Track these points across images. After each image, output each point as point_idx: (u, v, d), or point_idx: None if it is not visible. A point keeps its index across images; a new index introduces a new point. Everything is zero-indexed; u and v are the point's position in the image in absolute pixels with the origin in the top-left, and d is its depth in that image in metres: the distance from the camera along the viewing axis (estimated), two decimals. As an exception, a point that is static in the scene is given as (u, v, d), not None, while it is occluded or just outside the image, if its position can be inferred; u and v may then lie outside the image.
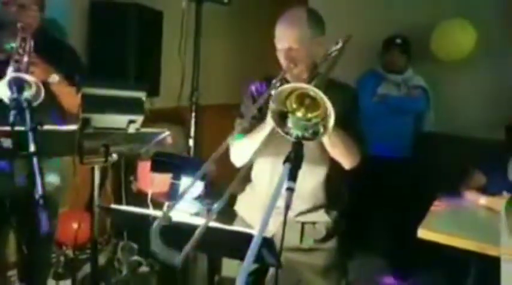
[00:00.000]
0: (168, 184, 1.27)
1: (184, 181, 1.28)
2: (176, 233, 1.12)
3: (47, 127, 1.25)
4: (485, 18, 3.14)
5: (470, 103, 3.32)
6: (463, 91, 3.34)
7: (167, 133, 1.56)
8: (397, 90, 3.20)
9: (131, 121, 1.44)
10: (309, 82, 1.51)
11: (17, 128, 1.15)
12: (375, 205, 3.17)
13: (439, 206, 2.40)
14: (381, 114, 3.12)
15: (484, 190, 2.48)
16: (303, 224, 1.71)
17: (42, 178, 1.00)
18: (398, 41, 3.18)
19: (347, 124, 1.55)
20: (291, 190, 1.08)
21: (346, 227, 1.81)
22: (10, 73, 1.47)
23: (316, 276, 1.73)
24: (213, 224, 1.28)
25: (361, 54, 3.17)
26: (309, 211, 1.71)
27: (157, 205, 1.84)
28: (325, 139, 1.51)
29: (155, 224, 1.09)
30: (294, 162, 1.10)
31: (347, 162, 1.62)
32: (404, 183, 3.16)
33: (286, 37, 1.58)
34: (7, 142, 1.16)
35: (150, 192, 2.08)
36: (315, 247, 1.72)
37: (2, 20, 1.74)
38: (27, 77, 1.40)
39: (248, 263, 0.87)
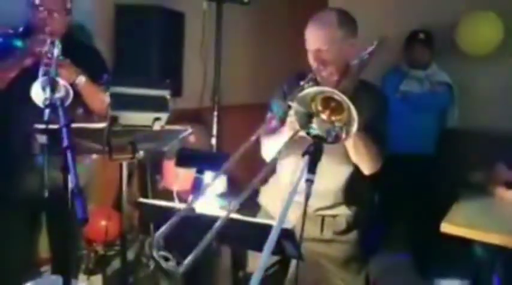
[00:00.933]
0: (192, 179, 1.32)
1: (208, 175, 1.33)
2: (199, 225, 1.16)
3: (77, 124, 1.32)
4: (511, 10, 3.08)
5: (496, 98, 3.26)
6: (489, 85, 3.28)
7: (190, 130, 1.62)
8: (420, 86, 3.16)
9: (156, 119, 1.50)
10: (339, 84, 1.54)
11: (51, 125, 1.22)
12: (400, 201, 3.16)
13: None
14: (404, 111, 3.09)
15: (509, 184, 2.44)
16: (323, 217, 1.73)
17: (76, 171, 1.06)
18: (422, 35, 3.14)
19: (373, 127, 1.56)
20: (310, 181, 1.12)
21: (369, 222, 1.82)
22: (41, 76, 1.55)
23: (336, 267, 1.75)
24: (235, 216, 1.31)
25: (385, 49, 3.16)
26: (328, 207, 1.73)
27: (183, 201, 1.90)
28: (348, 142, 1.51)
29: (156, 234, 1.14)
30: (313, 155, 1.13)
31: (368, 166, 1.63)
32: (429, 180, 3.13)
33: (315, 38, 1.60)
34: (42, 139, 1.24)
35: (175, 187, 2.14)
36: (335, 239, 1.74)
37: (31, 24, 1.82)
38: (57, 80, 1.49)
39: (267, 254, 0.91)
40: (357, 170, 1.72)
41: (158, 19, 2.91)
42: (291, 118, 1.43)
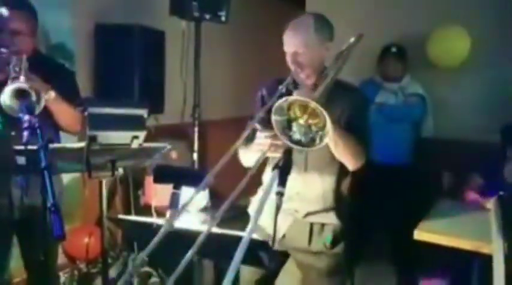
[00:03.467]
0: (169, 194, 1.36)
1: (185, 190, 1.37)
2: (180, 241, 1.20)
3: (56, 145, 1.35)
4: (478, 25, 3.23)
5: (468, 108, 3.38)
6: (460, 96, 3.40)
7: (168, 147, 1.66)
8: (394, 98, 3.27)
9: (135, 137, 1.54)
10: (316, 85, 1.60)
11: (29, 147, 1.26)
12: (377, 211, 3.22)
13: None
14: (379, 122, 3.17)
15: (482, 192, 2.53)
16: (311, 225, 1.74)
17: (53, 190, 1.10)
18: (394, 49, 3.26)
19: (353, 125, 1.62)
20: (280, 194, 1.16)
21: (354, 233, 1.85)
22: (8, 85, 1.56)
23: (321, 278, 1.78)
24: (215, 230, 1.35)
25: (360, 63, 3.26)
26: (318, 212, 1.74)
27: (163, 216, 1.92)
28: (330, 141, 1.52)
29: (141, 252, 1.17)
30: (283, 168, 1.19)
31: (350, 163, 1.66)
32: (405, 189, 3.20)
33: (292, 42, 1.65)
34: (21, 160, 1.28)
35: (153, 202, 2.17)
36: (323, 251, 1.76)
37: None
38: (24, 85, 1.52)
39: (235, 264, 0.94)
40: (343, 176, 1.76)
41: (139, 38, 2.95)
42: (258, 141, 1.47)
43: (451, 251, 1.97)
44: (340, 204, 1.78)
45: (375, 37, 3.35)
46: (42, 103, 1.54)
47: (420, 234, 2.02)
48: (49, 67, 1.92)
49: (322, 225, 1.75)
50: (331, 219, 1.76)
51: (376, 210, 3.18)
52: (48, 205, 1.04)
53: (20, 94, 1.54)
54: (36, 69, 1.73)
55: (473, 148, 3.05)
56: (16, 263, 2.06)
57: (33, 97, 1.51)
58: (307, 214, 1.74)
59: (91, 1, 2.96)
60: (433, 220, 2.23)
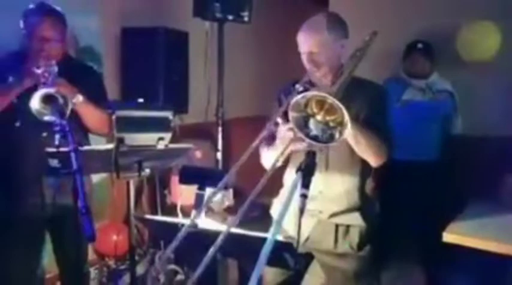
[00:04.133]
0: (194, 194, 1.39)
1: (209, 191, 1.40)
2: (204, 240, 1.22)
3: (86, 147, 1.40)
4: (508, 19, 3.13)
5: (497, 104, 3.28)
6: (490, 92, 3.31)
7: (193, 147, 1.69)
8: (422, 96, 3.20)
9: (160, 138, 1.58)
10: (332, 83, 1.60)
11: (61, 149, 1.31)
12: (405, 211, 3.17)
13: None
14: (406, 120, 3.12)
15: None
16: (337, 226, 1.73)
17: (84, 192, 1.14)
18: (420, 45, 3.19)
19: (372, 121, 1.61)
20: (304, 196, 1.17)
21: (381, 234, 1.83)
22: (38, 91, 1.63)
23: (347, 281, 1.76)
24: (236, 230, 1.36)
25: (383, 60, 3.22)
26: (343, 212, 1.73)
27: (188, 215, 1.96)
28: (349, 137, 1.53)
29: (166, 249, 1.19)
30: (306, 170, 1.19)
31: (372, 159, 1.65)
32: (434, 188, 3.14)
33: (306, 42, 1.65)
34: (54, 162, 1.34)
35: (179, 202, 2.21)
36: (349, 253, 1.74)
37: (27, 48, 1.89)
38: (52, 90, 1.57)
39: (259, 266, 0.95)
40: (366, 174, 1.75)
41: (163, 39, 3.01)
42: (280, 135, 1.48)
43: (484, 253, 1.91)
44: (365, 204, 1.76)
45: (400, 34, 3.31)
46: (70, 107, 1.60)
47: (449, 236, 1.96)
48: (78, 71, 1.99)
49: (348, 226, 1.74)
50: (357, 220, 1.74)
51: (403, 210, 3.13)
52: (79, 206, 1.09)
53: (48, 99, 1.60)
54: (66, 73, 1.80)
55: (504, 144, 2.97)
56: (49, 259, 2.15)
57: (61, 101, 1.57)
58: (332, 215, 1.73)
59: (117, 6, 3.03)
60: (463, 221, 2.14)
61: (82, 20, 2.72)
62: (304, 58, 1.68)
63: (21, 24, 1.89)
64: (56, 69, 1.73)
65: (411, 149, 3.04)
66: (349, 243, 1.73)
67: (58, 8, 1.96)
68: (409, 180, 3.04)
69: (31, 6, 1.90)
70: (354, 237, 1.73)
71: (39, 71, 1.70)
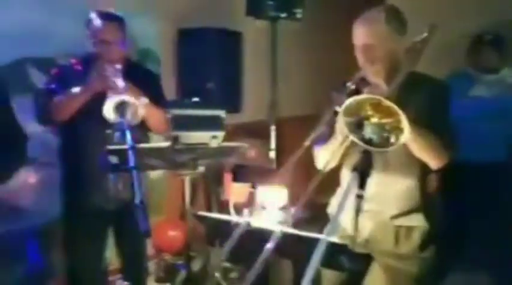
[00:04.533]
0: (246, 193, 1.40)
1: (261, 190, 1.40)
2: (259, 238, 1.22)
3: (143, 144, 1.45)
4: None
5: None
6: None
7: (246, 146, 1.70)
8: (491, 91, 3.00)
9: (213, 137, 1.60)
10: (387, 81, 1.54)
11: (120, 147, 1.37)
12: (472, 213, 3.00)
13: None
14: (474, 117, 2.95)
15: None
16: (398, 227, 1.66)
17: (142, 188, 1.18)
18: (489, 37, 2.99)
19: (433, 122, 1.52)
20: (360, 197, 1.13)
21: (445, 237, 1.74)
22: (112, 97, 1.71)
23: (409, 283, 1.68)
24: (292, 230, 1.34)
25: (444, 54, 3.04)
26: (403, 214, 1.66)
27: (241, 213, 1.97)
28: (408, 140, 1.43)
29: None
30: (362, 170, 1.15)
31: (432, 162, 1.57)
32: (503, 190, 2.94)
33: (361, 34, 1.58)
34: (113, 159, 1.40)
35: (231, 200, 2.24)
36: (411, 255, 1.67)
37: (92, 53, 1.99)
38: (127, 98, 1.64)
39: (312, 267, 0.93)
40: (427, 173, 1.66)
41: (217, 40, 3.07)
42: (339, 125, 1.43)
43: None
44: (427, 204, 1.68)
45: (466, 25, 3.12)
46: (140, 112, 1.65)
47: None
48: (138, 73, 2.07)
49: (409, 228, 1.66)
50: (419, 221, 1.66)
51: (470, 212, 2.96)
52: (136, 202, 1.13)
53: (120, 105, 1.67)
54: (127, 75, 1.88)
55: None
56: (112, 252, 2.26)
57: (133, 109, 1.63)
58: (392, 217, 1.66)
59: (173, 8, 3.12)
60: None
61: (140, 23, 2.82)
62: (358, 51, 1.61)
63: (86, 30, 2.00)
64: (121, 73, 1.81)
65: (478, 148, 2.87)
66: (411, 244, 1.65)
67: (118, 13, 2.06)
68: (476, 181, 2.86)
69: (93, 12, 2.01)
70: (416, 238, 1.65)
71: (107, 76, 1.79)
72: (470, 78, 3.03)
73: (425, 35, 1.56)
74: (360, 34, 1.59)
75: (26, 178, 2.47)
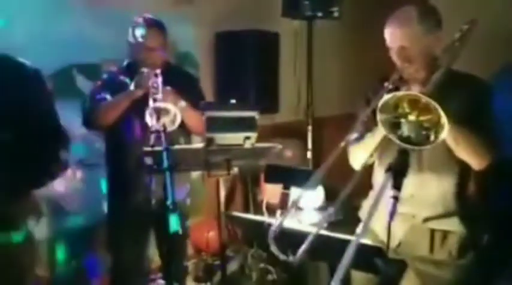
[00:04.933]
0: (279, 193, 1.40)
1: (295, 191, 1.39)
2: (291, 240, 1.22)
3: (178, 146, 1.49)
4: None
5: None
6: None
7: (279, 146, 1.70)
8: None
9: (247, 138, 1.61)
10: (426, 80, 1.49)
11: (156, 148, 1.41)
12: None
13: None
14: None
15: None
16: (432, 231, 1.60)
17: (173, 189, 1.21)
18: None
19: (475, 120, 1.47)
20: (395, 198, 1.10)
21: (493, 243, 1.66)
22: (151, 104, 1.76)
23: None
24: (326, 232, 1.33)
25: (493, 46, 2.90)
26: (438, 217, 1.60)
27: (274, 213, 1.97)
28: (448, 138, 1.39)
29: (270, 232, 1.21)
30: (398, 170, 1.12)
31: (474, 162, 1.51)
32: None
33: (396, 36, 1.55)
34: (149, 160, 1.44)
35: (264, 200, 2.24)
36: (447, 261, 1.60)
37: (133, 60, 2.08)
38: (167, 106, 1.68)
39: (341, 269, 0.92)
40: (467, 177, 1.60)
41: (254, 41, 3.08)
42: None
43: None
44: (465, 209, 1.60)
45: (504, 16, 2.96)
46: (178, 119, 1.69)
47: None
48: (178, 77, 2.13)
49: (445, 232, 1.60)
50: (455, 225, 1.59)
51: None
52: (168, 203, 1.16)
53: (159, 111, 1.71)
54: (167, 79, 1.94)
55: None
56: (153, 251, 2.33)
57: (171, 115, 1.67)
58: (426, 219, 1.60)
59: (211, 13, 3.17)
60: None
61: (178, 27, 2.89)
62: (393, 53, 1.57)
63: (129, 36, 2.07)
64: (160, 79, 1.87)
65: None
66: (447, 250, 1.58)
67: (160, 19, 2.12)
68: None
69: (136, 19, 2.08)
70: (453, 243, 1.58)
71: (147, 82, 1.86)
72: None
73: (464, 28, 1.50)
74: (393, 36, 1.55)
75: (72, 179, 2.60)
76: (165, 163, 1.28)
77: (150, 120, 1.66)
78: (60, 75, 2.49)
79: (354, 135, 1.45)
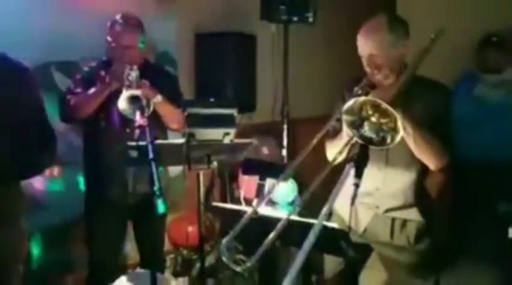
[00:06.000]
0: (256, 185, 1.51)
1: (270, 182, 1.51)
2: (268, 230, 1.32)
3: (160, 141, 1.59)
4: None
5: None
6: None
7: (255, 142, 1.81)
8: (495, 91, 3.05)
9: (226, 134, 1.72)
10: (394, 85, 1.62)
11: (140, 142, 1.51)
12: (478, 211, 3.04)
13: None
14: (479, 117, 3.01)
15: None
16: (393, 220, 1.75)
17: (159, 177, 1.32)
18: (494, 39, 3.05)
19: (434, 123, 1.61)
20: (356, 185, 1.24)
21: (444, 231, 1.81)
22: (124, 93, 1.83)
23: (404, 273, 1.79)
24: (298, 218, 1.42)
25: (453, 55, 3.10)
26: (399, 208, 1.75)
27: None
28: (409, 140, 1.56)
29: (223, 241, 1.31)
30: (359, 161, 1.25)
31: (431, 162, 1.66)
32: (509, 187, 2.98)
33: (366, 44, 1.67)
34: (134, 153, 1.54)
35: (242, 193, 2.35)
36: (406, 247, 1.76)
37: (111, 57, 2.14)
38: (136, 92, 1.78)
39: (305, 251, 1.01)
40: (424, 172, 1.75)
41: (232, 43, 3.19)
42: (345, 128, 1.53)
43: None
44: (423, 201, 1.77)
45: (473, 27, 3.17)
46: (152, 107, 1.80)
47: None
48: (156, 74, 2.21)
49: (404, 221, 1.76)
50: (414, 215, 1.75)
51: (477, 209, 3.01)
52: (154, 189, 1.26)
53: (132, 99, 1.82)
54: (146, 76, 2.02)
55: None
56: (130, 247, 2.39)
57: (144, 102, 1.78)
58: (388, 210, 1.76)
59: (191, 14, 3.26)
60: None
61: (160, 27, 2.97)
62: (364, 61, 1.69)
63: (107, 34, 2.15)
64: (137, 73, 1.95)
65: (484, 147, 2.93)
66: (406, 236, 1.74)
67: (138, 18, 2.20)
68: (482, 179, 2.92)
69: (115, 17, 2.16)
70: (411, 230, 1.74)
71: (123, 75, 1.94)
72: (475, 79, 3.10)
73: (432, 37, 1.64)
74: (364, 45, 1.67)
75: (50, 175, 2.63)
76: (151, 154, 1.38)
77: (122, 105, 1.75)
78: (38, 72, 2.52)
79: (327, 128, 1.55)
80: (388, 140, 1.27)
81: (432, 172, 1.78)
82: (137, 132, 1.55)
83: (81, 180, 2.42)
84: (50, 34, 2.51)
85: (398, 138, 1.25)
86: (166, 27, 3.09)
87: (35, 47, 2.43)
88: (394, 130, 1.25)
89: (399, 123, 1.23)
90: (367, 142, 1.29)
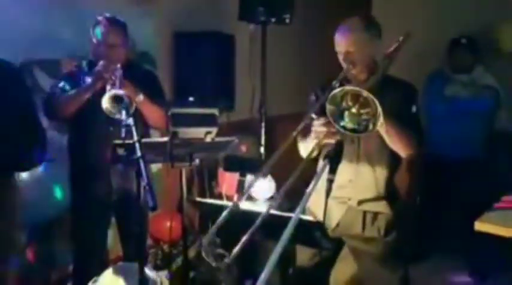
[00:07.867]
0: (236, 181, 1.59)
1: (250, 178, 1.59)
2: (251, 225, 1.40)
3: (146, 139, 1.65)
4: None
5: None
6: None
7: (236, 140, 1.90)
8: (465, 91, 3.21)
9: (208, 132, 1.80)
10: (367, 81, 1.75)
11: (127, 141, 1.57)
12: (449, 205, 3.20)
13: (506, 203, 2.40)
14: (449, 115, 3.17)
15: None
16: (364, 213, 1.87)
17: (147, 174, 1.39)
18: (463, 40, 3.21)
19: (403, 116, 1.74)
20: (330, 181, 1.34)
21: (411, 224, 1.94)
22: (107, 92, 1.91)
23: (374, 263, 1.91)
24: (277, 212, 1.49)
25: (425, 54, 3.26)
26: (371, 200, 1.87)
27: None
28: (381, 129, 1.67)
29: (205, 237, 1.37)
30: (333, 158, 1.36)
31: (402, 150, 1.79)
32: (477, 183, 3.15)
33: (343, 41, 1.79)
34: (121, 151, 1.60)
35: (223, 190, 2.42)
36: (376, 238, 1.88)
37: (96, 56, 2.18)
38: (120, 92, 1.84)
39: (282, 243, 1.05)
40: (395, 167, 1.88)
41: (211, 42, 3.25)
42: (314, 128, 1.65)
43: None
44: (392, 193, 1.89)
45: (444, 28, 3.34)
46: (134, 106, 1.86)
47: (481, 225, 2.02)
48: (138, 73, 2.27)
49: (375, 214, 1.87)
50: (384, 208, 1.87)
51: (446, 204, 3.17)
52: (143, 184, 1.33)
53: (115, 98, 1.88)
54: (128, 75, 2.07)
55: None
56: (112, 243, 2.44)
57: (126, 101, 1.84)
58: (360, 202, 1.87)
59: (170, 13, 3.30)
60: (497, 211, 2.20)
61: (139, 26, 3.00)
62: (340, 57, 1.82)
63: (91, 34, 2.19)
64: (120, 72, 2.01)
65: (454, 144, 3.09)
66: (376, 228, 1.87)
67: (121, 18, 2.25)
68: (452, 175, 3.08)
69: (98, 17, 2.20)
70: (381, 223, 1.87)
71: (107, 75, 1.99)
72: (446, 78, 3.26)
73: (400, 39, 1.78)
74: (341, 42, 1.80)
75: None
76: (138, 153, 1.44)
77: (105, 104, 1.81)
78: (20, 70, 2.53)
79: (301, 126, 1.63)
80: (371, 127, 1.37)
81: (401, 168, 1.91)
82: (123, 130, 1.61)
83: (64, 178, 2.43)
84: (31, 32, 2.51)
85: (379, 123, 1.35)
86: (145, 26, 3.12)
87: (15, 44, 2.43)
88: (375, 116, 1.35)
89: (379, 109, 1.33)
90: (349, 131, 1.38)
